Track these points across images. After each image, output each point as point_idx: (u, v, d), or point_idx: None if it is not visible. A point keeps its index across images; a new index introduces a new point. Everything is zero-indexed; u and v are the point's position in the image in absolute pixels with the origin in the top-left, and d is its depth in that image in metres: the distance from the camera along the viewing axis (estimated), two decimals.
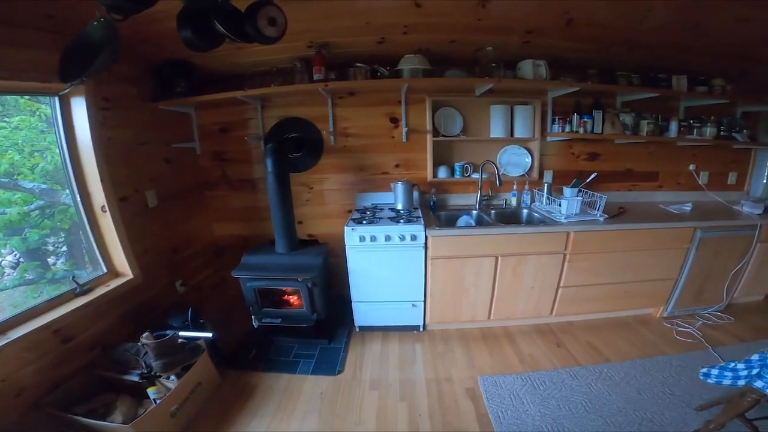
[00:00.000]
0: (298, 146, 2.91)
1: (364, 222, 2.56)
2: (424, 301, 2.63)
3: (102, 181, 2.14)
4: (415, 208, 2.82)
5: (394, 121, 2.86)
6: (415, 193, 2.82)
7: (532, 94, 2.81)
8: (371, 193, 3.01)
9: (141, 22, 1.81)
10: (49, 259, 2.21)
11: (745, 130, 2.91)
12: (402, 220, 2.55)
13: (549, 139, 2.89)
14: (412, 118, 2.84)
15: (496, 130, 2.84)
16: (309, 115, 2.88)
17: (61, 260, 2.26)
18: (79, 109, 2.07)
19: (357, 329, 2.79)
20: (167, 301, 2.63)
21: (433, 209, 2.87)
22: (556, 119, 2.76)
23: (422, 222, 2.50)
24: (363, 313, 2.71)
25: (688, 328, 2.69)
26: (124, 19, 1.36)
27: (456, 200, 3.04)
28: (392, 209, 2.83)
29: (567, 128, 2.70)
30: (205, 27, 1.60)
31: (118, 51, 1.54)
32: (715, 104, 2.82)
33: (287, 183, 2.56)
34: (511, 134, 2.86)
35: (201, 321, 2.36)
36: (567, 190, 2.84)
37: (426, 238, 2.44)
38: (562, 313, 2.72)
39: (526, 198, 2.92)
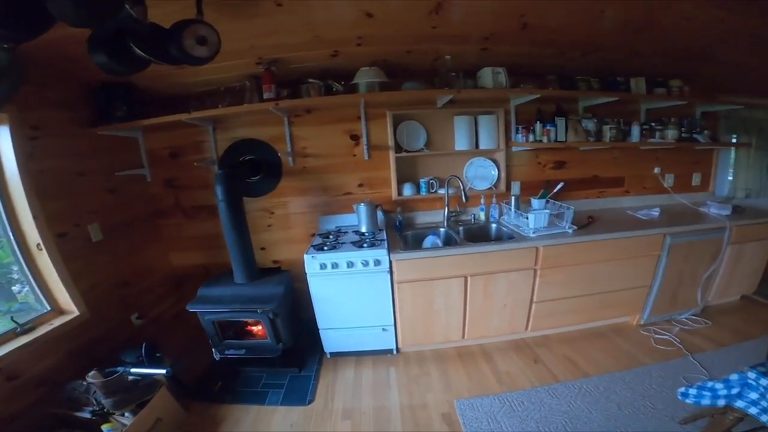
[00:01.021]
0: (255, 169, 2.76)
1: (326, 248, 2.41)
2: (395, 325, 2.51)
3: (35, 218, 1.95)
4: (380, 230, 2.69)
5: (355, 138, 2.74)
6: (380, 214, 2.69)
7: (495, 103, 2.74)
8: (335, 216, 2.86)
9: (64, 44, 1.64)
10: None
11: (705, 131, 2.91)
12: (365, 244, 2.41)
13: (514, 149, 2.82)
14: (374, 134, 2.73)
15: (461, 142, 2.75)
16: (265, 136, 2.73)
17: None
18: (3, 140, 1.87)
19: (328, 355, 2.65)
20: (122, 336, 2.46)
21: (399, 229, 2.74)
22: (520, 128, 2.69)
23: (386, 245, 2.38)
24: (332, 340, 2.58)
25: (665, 335, 2.64)
26: (17, 47, 1.19)
27: (423, 218, 2.92)
28: (356, 232, 2.69)
29: (531, 137, 2.63)
30: (123, 49, 1.45)
31: (19, 79, 1.37)
32: (674, 106, 2.82)
33: (241, 210, 2.39)
34: (477, 146, 2.77)
35: (157, 354, 2.23)
36: (535, 202, 2.78)
37: (390, 262, 2.31)
38: (537, 327, 2.63)
39: (495, 212, 2.84)
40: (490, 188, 2.86)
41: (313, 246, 2.46)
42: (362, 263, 2.30)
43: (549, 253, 2.41)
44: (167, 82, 2.39)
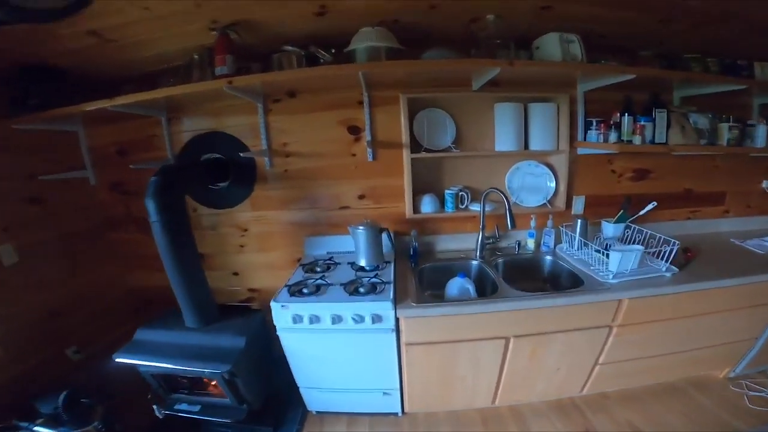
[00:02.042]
0: (220, 172, 2.04)
1: (305, 290, 1.68)
2: (401, 389, 1.80)
3: None
4: (387, 262, 1.93)
5: (355, 131, 1.97)
6: (385, 237, 1.92)
7: (555, 87, 1.91)
8: (326, 237, 2.11)
9: None
10: None
11: None
12: (362, 288, 1.66)
13: (581, 151, 1.98)
14: (381, 126, 1.95)
15: (504, 139, 1.94)
16: (234, 129, 2.01)
17: None
18: None
19: (314, 412, 1.99)
20: (53, 374, 1.88)
21: (413, 260, 1.97)
22: (595, 123, 1.85)
23: (391, 292, 1.62)
24: (317, 400, 1.91)
25: (763, 391, 1.92)
26: None
27: (448, 244, 2.13)
28: (353, 264, 1.93)
29: (612, 136, 1.78)
30: None
31: None
32: None
33: (186, 233, 1.69)
34: (526, 145, 1.96)
35: (85, 402, 1.70)
36: (608, 226, 1.94)
37: (397, 318, 1.56)
38: (595, 389, 1.91)
39: (549, 238, 2.02)
40: (543, 205, 2.04)
41: (288, 287, 1.73)
42: (354, 319, 1.56)
43: (636, 307, 1.63)
44: (98, 61, 1.73)
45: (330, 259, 2.01)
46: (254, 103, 1.92)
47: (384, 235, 1.88)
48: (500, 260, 1.97)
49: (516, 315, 1.58)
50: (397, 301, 1.57)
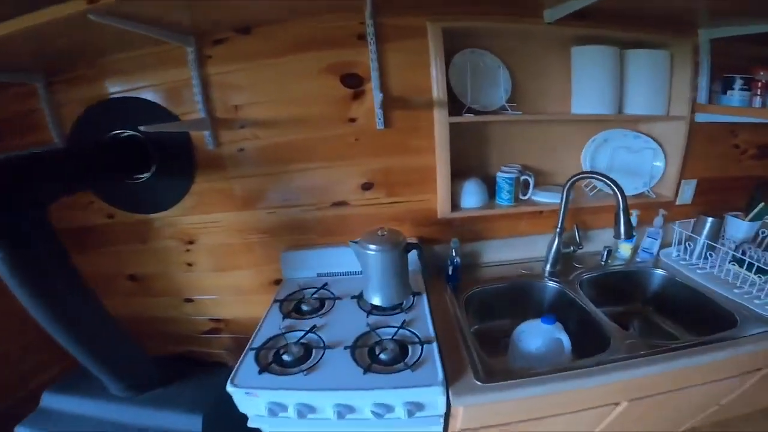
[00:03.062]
0: (139, 158, 1.27)
1: (285, 359, 0.98)
2: None
3: None
4: (415, 293, 1.22)
5: (353, 82, 1.20)
6: (414, 257, 1.18)
7: (668, 26, 1.20)
8: (314, 251, 1.37)
9: None
10: None
11: None
12: (383, 353, 0.96)
13: (702, 118, 1.30)
14: (397, 74, 1.19)
15: (587, 98, 1.24)
16: (153, 91, 1.23)
17: None
18: None
19: None
20: None
21: (452, 282, 1.28)
22: (737, 80, 1.17)
23: (435, 359, 0.94)
24: None
25: None
26: None
27: (499, 252, 1.43)
28: (359, 300, 1.22)
29: (757, 101, 1.10)
30: None
31: None
32: None
33: (61, 269, 0.95)
34: (619, 108, 1.26)
35: None
36: (738, 224, 1.30)
37: (449, 404, 0.89)
38: None
39: (654, 242, 1.36)
40: (641, 193, 1.36)
41: (256, 352, 1.02)
42: (377, 412, 0.88)
43: None
44: None
45: (324, 286, 1.29)
46: (183, 48, 1.13)
47: (413, 254, 1.16)
48: (584, 277, 1.30)
49: (639, 380, 0.94)
50: (448, 377, 0.90)
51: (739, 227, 1.30)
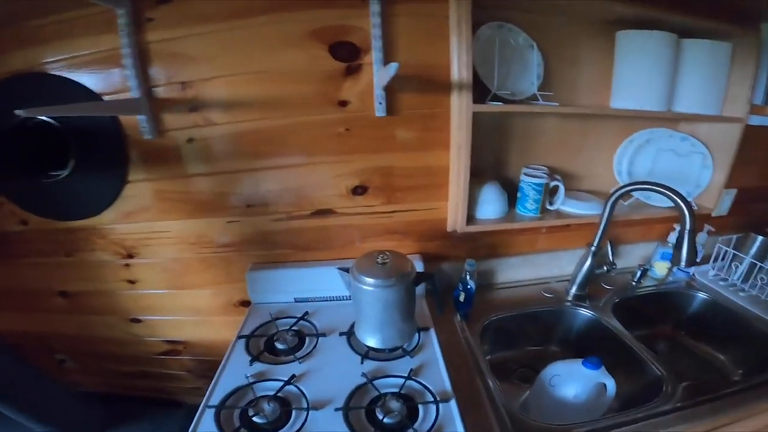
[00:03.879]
0: (56, 152, 0.94)
1: (256, 421, 0.71)
2: None
3: None
4: (423, 329, 0.95)
5: (347, 52, 0.90)
6: (422, 290, 0.93)
7: (730, 17, 0.97)
8: (289, 270, 1.07)
9: None
10: None
11: None
12: (388, 417, 0.70)
13: (755, 120, 1.09)
14: (406, 44, 0.90)
15: (631, 90, 1.02)
16: (72, 65, 0.89)
17: None
18: None
19: None
20: None
21: (464, 309, 1.04)
22: None
23: (458, 428, 0.70)
24: None
25: None
26: None
27: (517, 271, 1.20)
28: (349, 335, 0.95)
29: None
30: None
31: None
32: None
33: None
34: (670, 105, 1.05)
35: None
36: None
37: None
38: None
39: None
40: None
41: (215, 409, 0.73)
42: None
43: None
44: None
45: (304, 316, 1.02)
46: (112, 11, 0.80)
47: (415, 282, 0.90)
48: (616, 300, 1.09)
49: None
50: None
51: None
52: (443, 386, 0.80)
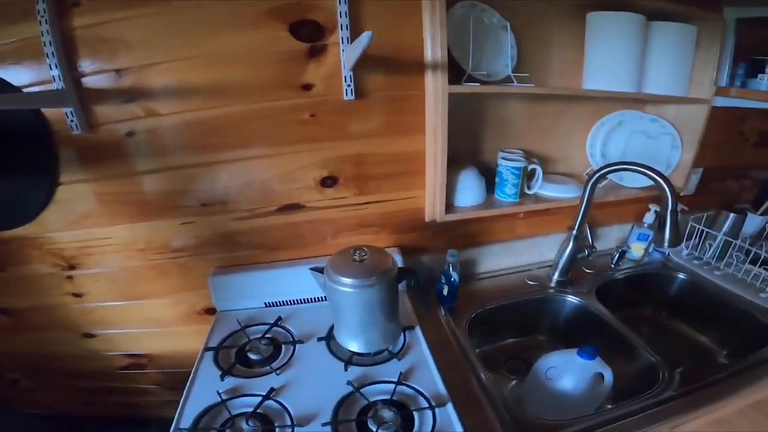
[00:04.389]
0: None
1: None
2: None
3: None
4: (408, 328, 0.89)
5: (309, 32, 0.81)
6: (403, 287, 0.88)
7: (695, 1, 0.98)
8: (256, 272, 0.97)
9: None
10: None
11: None
12: (381, 429, 0.64)
13: (720, 102, 1.11)
14: (374, 23, 0.82)
15: (604, 72, 1.00)
16: None
17: None
18: None
19: None
20: None
21: (449, 303, 0.99)
22: None
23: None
24: None
25: None
26: None
27: (498, 259, 1.16)
28: (329, 340, 0.87)
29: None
30: None
31: None
32: None
33: None
34: (639, 86, 1.04)
35: None
36: (749, 218, 1.17)
37: None
38: None
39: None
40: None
41: None
42: None
43: None
44: None
45: (277, 322, 0.92)
46: None
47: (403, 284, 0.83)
48: (598, 284, 1.08)
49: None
50: None
51: (750, 222, 1.17)
52: (436, 389, 0.74)
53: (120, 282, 1.01)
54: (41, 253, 0.96)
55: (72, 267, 0.98)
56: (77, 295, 1.03)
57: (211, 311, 1.06)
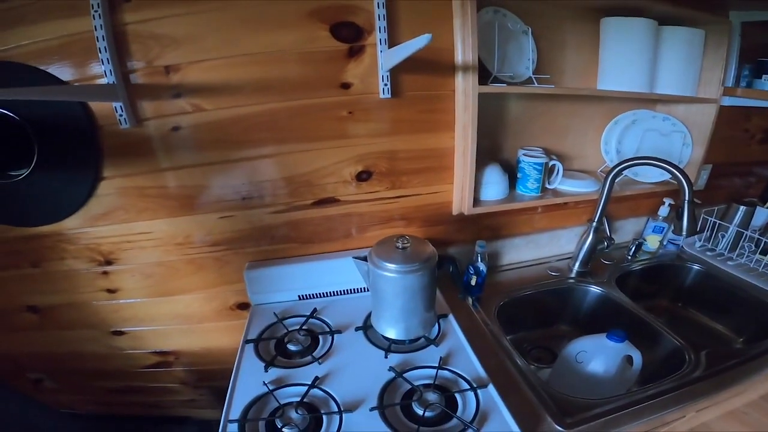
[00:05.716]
0: (17, 148, 0.82)
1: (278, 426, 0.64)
2: None
3: None
4: (441, 316, 0.92)
5: (350, 33, 0.86)
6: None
7: (702, 5, 1.04)
8: (291, 266, 1.00)
9: None
10: None
11: None
12: (428, 410, 0.67)
13: (728, 102, 1.17)
14: (409, 25, 0.87)
15: (617, 74, 1.06)
16: (39, 52, 0.77)
17: None
18: None
19: None
20: None
21: (476, 293, 1.02)
22: None
23: (503, 412, 0.67)
24: None
25: None
26: None
27: (520, 252, 1.21)
28: (366, 329, 0.90)
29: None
30: None
31: None
32: None
33: None
34: (652, 86, 1.10)
35: None
36: (758, 211, 1.23)
37: None
38: None
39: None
40: (667, 180, 1.22)
41: (238, 424, 0.66)
42: None
43: None
44: None
45: (313, 314, 0.95)
46: None
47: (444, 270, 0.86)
48: (618, 275, 1.12)
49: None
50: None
51: (758, 215, 1.22)
52: (476, 372, 0.77)
53: (156, 277, 1.03)
54: (77, 249, 0.98)
55: (108, 262, 1.01)
56: (111, 291, 1.05)
57: (242, 306, 1.09)
